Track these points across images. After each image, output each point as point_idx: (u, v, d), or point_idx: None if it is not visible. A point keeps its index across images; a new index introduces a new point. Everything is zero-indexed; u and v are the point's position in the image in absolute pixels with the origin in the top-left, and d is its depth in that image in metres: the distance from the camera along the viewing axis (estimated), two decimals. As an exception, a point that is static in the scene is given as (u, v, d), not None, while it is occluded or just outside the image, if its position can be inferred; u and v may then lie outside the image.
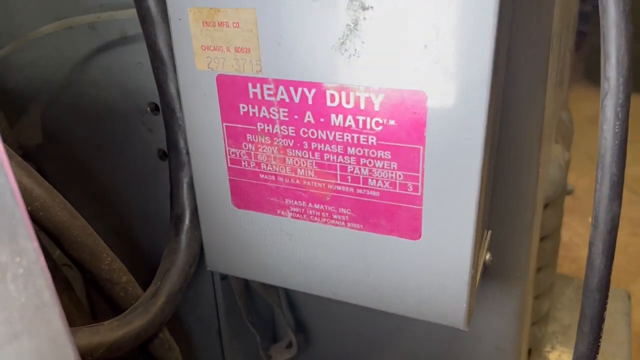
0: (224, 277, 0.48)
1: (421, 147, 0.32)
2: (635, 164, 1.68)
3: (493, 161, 0.37)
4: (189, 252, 0.41)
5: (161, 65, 0.38)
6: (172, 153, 0.40)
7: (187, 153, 0.40)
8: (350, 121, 0.33)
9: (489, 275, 0.45)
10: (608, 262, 0.34)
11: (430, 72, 0.30)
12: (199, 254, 0.42)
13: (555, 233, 0.60)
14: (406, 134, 0.32)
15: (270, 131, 0.36)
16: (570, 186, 0.65)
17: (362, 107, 0.32)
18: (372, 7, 0.30)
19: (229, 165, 0.38)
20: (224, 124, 0.37)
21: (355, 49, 0.31)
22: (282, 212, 0.38)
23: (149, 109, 0.44)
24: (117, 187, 0.48)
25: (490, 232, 0.42)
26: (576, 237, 1.46)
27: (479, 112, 0.30)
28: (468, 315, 0.36)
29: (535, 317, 0.62)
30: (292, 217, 0.38)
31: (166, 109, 0.39)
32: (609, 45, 0.28)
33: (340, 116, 0.33)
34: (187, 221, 0.41)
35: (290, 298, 0.53)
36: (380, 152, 0.33)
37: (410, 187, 0.33)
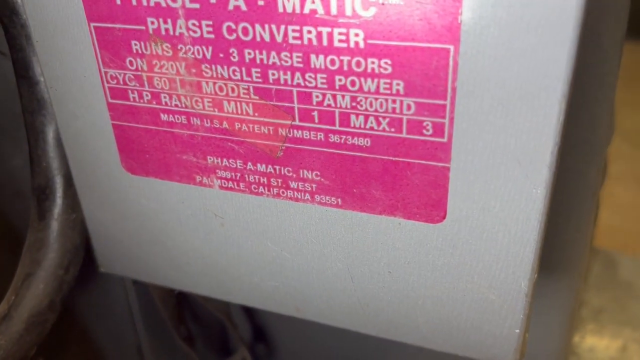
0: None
1: (452, 48, 0.16)
2: (638, 115, 1.56)
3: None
4: (62, 246, 0.26)
5: None
6: (23, 84, 0.24)
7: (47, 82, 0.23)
8: (313, 2, 0.17)
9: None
10: None
11: None
12: (84, 248, 0.27)
13: (597, 195, 0.46)
14: (422, 21, 0.16)
15: (171, 32, 0.20)
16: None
17: (336, -30, 0.16)
18: None
19: (109, 100, 0.22)
20: (92, 24, 0.21)
21: None
22: (205, 180, 0.22)
23: (-5, 17, 0.27)
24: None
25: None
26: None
27: (574, -34, 0.14)
28: (522, 346, 0.21)
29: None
30: (221, 187, 0.22)
31: (2, 7, 0.23)
32: None
33: (295, -7, 0.17)
34: (57, 197, 0.25)
35: (243, 297, 0.38)
36: (372, 63, 0.18)
37: (429, 127, 0.18)
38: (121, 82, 0.21)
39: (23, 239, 0.33)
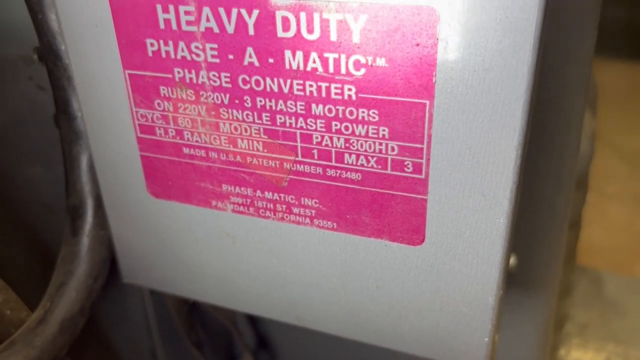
0: (155, 288, 0.36)
1: (427, 103, 0.20)
2: (637, 135, 1.59)
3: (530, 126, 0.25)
4: (92, 259, 0.29)
5: (31, -17, 0.25)
6: (63, 118, 0.28)
7: (84, 118, 0.27)
8: (314, 62, 0.21)
9: (509, 283, 0.33)
10: None
11: (445, -29, 0.18)
12: (110, 261, 0.30)
13: (578, 220, 0.49)
14: (403, 80, 0.20)
15: (194, 81, 0.23)
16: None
17: (333, 37, 0.20)
18: None
19: (139, 134, 0.26)
20: (127, 71, 0.24)
21: (320, -62, 0.19)
22: (219, 204, 0.26)
23: (36, 56, 0.31)
24: (6, 165, 0.36)
25: (513, 225, 0.30)
26: (574, 215, 1.36)
27: (524, 43, 0.18)
28: (491, 352, 0.25)
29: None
30: (233, 210, 0.26)
31: (48, 53, 0.27)
32: None
33: (299, 54, 0.21)
34: (88, 216, 0.29)
35: (248, 307, 0.41)
36: (362, 112, 0.21)
37: (410, 165, 0.21)
38: (150, 120, 0.25)
39: (51, 249, 0.37)
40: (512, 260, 0.30)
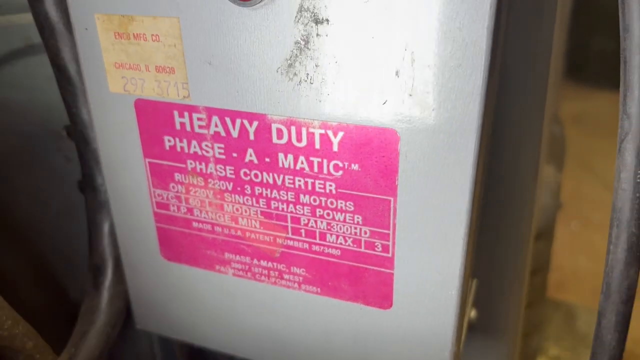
0: (162, 331, 0.41)
1: (392, 199, 0.25)
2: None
3: (481, 204, 0.30)
4: (111, 310, 0.34)
5: (68, 85, 0.30)
6: (89, 191, 0.33)
7: (107, 192, 0.32)
8: (302, 163, 0.26)
9: (471, 331, 0.38)
10: (621, 338, 0.28)
11: (403, 106, 0.23)
12: (125, 312, 0.35)
13: (546, 267, 0.54)
14: (373, 181, 0.25)
15: (204, 171, 0.28)
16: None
17: (317, 146, 0.25)
18: (327, 20, 0.22)
19: (155, 209, 0.30)
20: (147, 159, 0.29)
21: (307, 74, 0.24)
22: (222, 269, 0.31)
23: (65, 133, 0.36)
24: (33, 222, 0.40)
25: (475, 280, 0.35)
26: (557, 245, 1.41)
27: (465, 159, 0.23)
28: (450, 398, 0.29)
29: (521, 357, 0.56)
30: (234, 274, 0.30)
31: (79, 139, 0.32)
32: (633, 74, 0.21)
33: (290, 156, 0.26)
34: (108, 273, 0.34)
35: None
36: (341, 203, 0.26)
37: (379, 246, 0.26)
38: (165, 199, 0.30)
39: (74, 298, 0.41)
40: (473, 314, 0.35)
